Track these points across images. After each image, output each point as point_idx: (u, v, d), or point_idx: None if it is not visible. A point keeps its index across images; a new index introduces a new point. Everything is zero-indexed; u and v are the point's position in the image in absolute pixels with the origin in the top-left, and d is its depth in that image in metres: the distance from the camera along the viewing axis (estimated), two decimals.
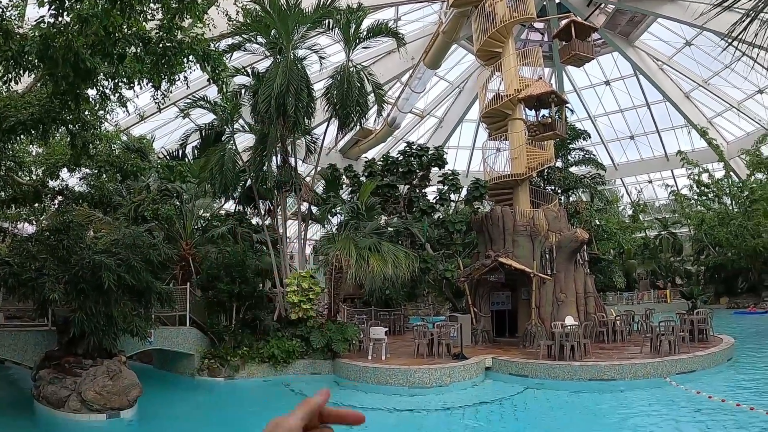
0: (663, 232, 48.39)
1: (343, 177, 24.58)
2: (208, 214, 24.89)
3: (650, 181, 51.65)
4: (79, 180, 21.24)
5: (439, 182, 25.19)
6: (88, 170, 19.92)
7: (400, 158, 25.06)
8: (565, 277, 21.31)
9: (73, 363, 13.00)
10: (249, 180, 20.41)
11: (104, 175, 20.81)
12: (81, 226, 15.73)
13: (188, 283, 18.24)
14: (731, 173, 38.22)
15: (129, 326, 13.39)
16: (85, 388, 12.35)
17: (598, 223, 29.71)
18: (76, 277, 12.33)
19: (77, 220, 15.24)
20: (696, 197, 39.38)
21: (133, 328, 13.50)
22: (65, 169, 18.88)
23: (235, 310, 18.62)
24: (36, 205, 21.02)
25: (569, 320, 19.91)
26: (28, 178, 19.72)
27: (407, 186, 25.26)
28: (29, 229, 25.40)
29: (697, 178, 38.19)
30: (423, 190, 25.59)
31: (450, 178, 24.62)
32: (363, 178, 24.74)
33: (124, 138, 23.55)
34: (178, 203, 20.45)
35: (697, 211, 38.51)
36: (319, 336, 18.22)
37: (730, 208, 37.07)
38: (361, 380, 16.90)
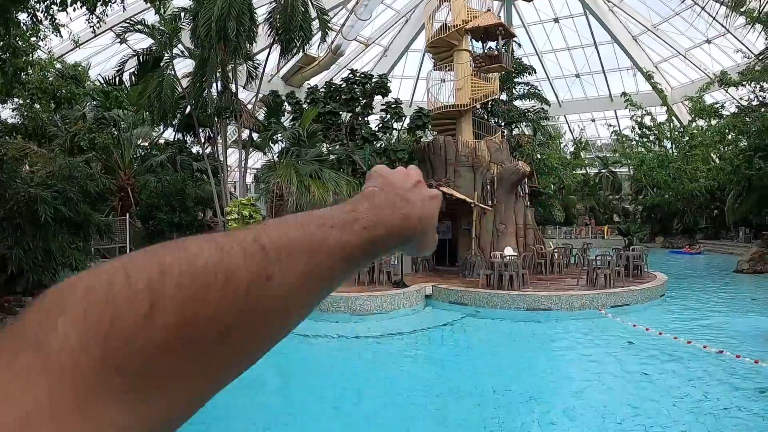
0: (603, 171, 49.57)
1: (285, 104, 24.02)
2: (146, 143, 24.13)
3: (593, 120, 52.51)
4: (12, 111, 20.21)
5: (382, 111, 24.93)
6: (20, 100, 18.98)
7: (343, 86, 24.59)
8: (506, 209, 21.61)
9: (13, 302, 12.55)
10: (188, 107, 19.75)
11: (37, 105, 19.86)
12: (16, 160, 15.01)
13: (128, 214, 17.76)
14: (673, 118, 39.03)
15: (68, 260, 13.00)
16: None
17: (539, 157, 30.03)
18: (12, 212, 11.77)
19: (11, 154, 14.46)
20: (637, 139, 40.20)
21: (72, 262, 13.09)
22: None
23: None
24: None
25: (508, 251, 20.30)
26: None
27: (350, 114, 24.91)
28: None
29: (639, 120, 38.89)
30: (366, 118, 25.27)
31: (393, 106, 24.38)
32: (305, 105, 24.23)
33: (59, 66, 22.46)
34: (115, 132, 19.71)
35: (638, 152, 39.32)
36: None
37: (670, 151, 37.98)
38: None
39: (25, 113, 19.63)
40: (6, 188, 12.06)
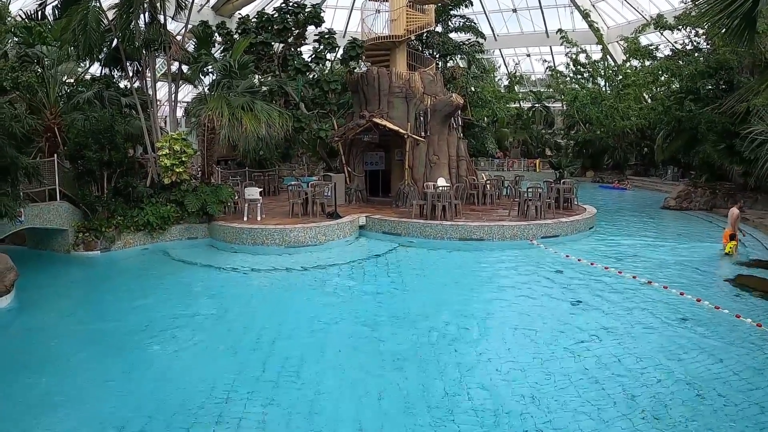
0: (537, 105, 50.37)
1: (216, 35, 23.31)
2: (72, 80, 23.11)
3: (528, 55, 52.94)
4: None
5: (315, 41, 24.55)
6: None
7: (275, 15, 24.02)
8: (439, 140, 21.90)
9: None
10: (115, 40, 18.92)
11: None
12: None
13: (55, 155, 17.14)
14: (608, 57, 39.70)
15: None
16: None
17: (473, 90, 30.36)
18: None
19: None
20: (571, 75, 40.81)
21: (1, 209, 12.70)
22: None
23: (106, 179, 17.83)
24: None
25: (441, 182, 20.70)
26: None
27: (282, 44, 24.44)
28: None
29: (574, 57, 39.39)
30: (298, 49, 24.85)
31: (326, 37, 24.03)
32: (236, 36, 23.65)
33: None
34: (39, 70, 18.75)
35: (571, 89, 39.95)
36: (194, 199, 17.96)
37: (604, 89, 38.78)
38: (238, 242, 17.05)
39: None
40: None
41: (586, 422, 6.78)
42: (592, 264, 14.70)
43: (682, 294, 12.00)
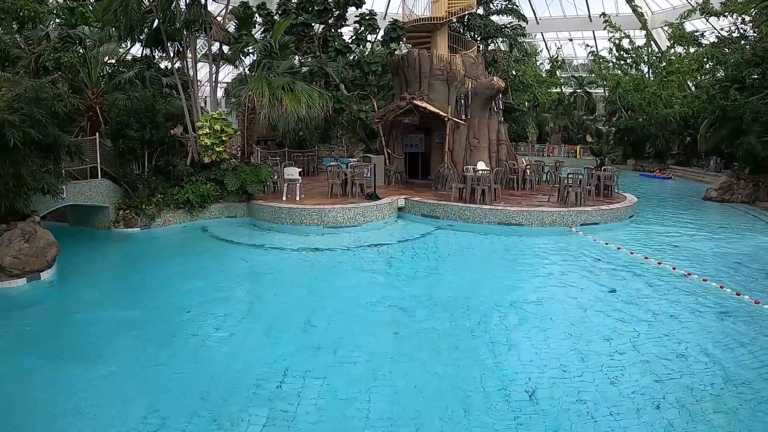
0: (578, 90, 49.35)
1: (256, 16, 23.32)
2: (113, 61, 23.38)
3: (571, 39, 51.83)
4: None
5: (355, 22, 24.39)
6: None
7: None
8: (479, 124, 21.59)
9: None
10: (156, 21, 19.05)
11: None
12: None
13: (97, 134, 17.37)
14: (651, 43, 38.63)
15: (39, 184, 12.65)
16: (1, 254, 11.88)
17: (515, 73, 29.82)
18: None
19: None
20: (614, 61, 39.87)
21: (44, 186, 12.77)
22: None
23: (147, 158, 18.03)
24: None
25: (481, 165, 20.44)
26: None
27: (322, 25, 24.36)
28: None
29: (617, 42, 38.42)
30: (339, 30, 24.74)
31: (367, 18, 23.87)
32: (277, 17, 23.61)
33: None
34: (81, 50, 18.98)
35: (614, 74, 39.06)
36: (234, 178, 18.07)
37: (647, 76, 37.78)
38: (276, 221, 17.10)
39: None
40: None
41: (603, 420, 6.58)
42: (631, 253, 14.36)
43: (722, 287, 11.60)
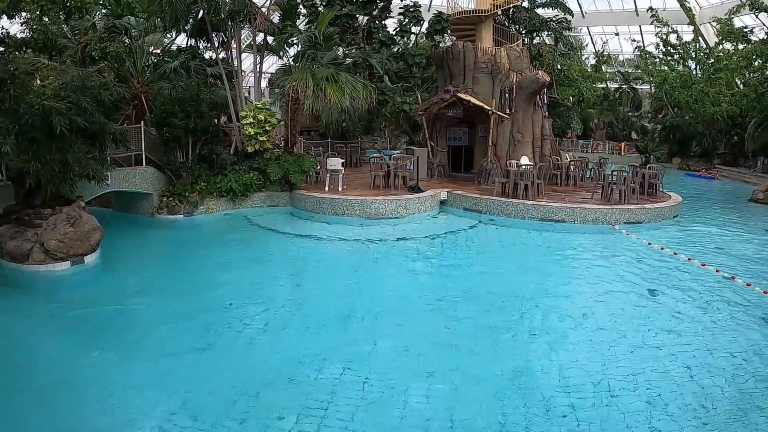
0: (624, 86, 48.38)
1: (301, 6, 23.34)
2: (158, 51, 23.71)
3: (617, 34, 50.80)
4: (21, 26, 19.83)
5: (399, 14, 24.26)
6: (29, 14, 18.56)
7: None
8: (523, 118, 21.32)
9: (33, 214, 12.58)
10: (201, 11, 19.24)
11: (46, 18, 19.39)
12: (28, 74, 14.67)
13: (142, 122, 17.63)
14: (699, 39, 37.56)
15: (85, 170, 12.84)
16: (46, 237, 12.11)
17: (560, 68, 29.26)
18: (27, 126, 11.54)
19: (22, 68, 14.08)
20: (661, 56, 38.88)
21: (89, 172, 12.97)
22: (4, 17, 17.69)
23: (191, 146, 18.23)
24: None
25: (524, 160, 20.20)
26: None
27: (367, 17, 24.28)
28: None
29: (664, 37, 37.41)
30: (383, 22, 24.62)
31: (411, 10, 23.72)
32: (321, 8, 23.58)
33: None
34: (127, 40, 19.29)
35: (661, 71, 38.06)
36: (276, 168, 18.16)
37: (694, 72, 36.80)
38: (318, 211, 17.13)
39: (35, 27, 19.30)
40: (20, 103, 11.90)
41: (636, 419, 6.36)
42: (674, 254, 13.93)
43: (765, 293, 11.12)
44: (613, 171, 18.80)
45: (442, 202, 18.49)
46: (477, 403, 6.67)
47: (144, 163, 17.43)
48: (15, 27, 20.00)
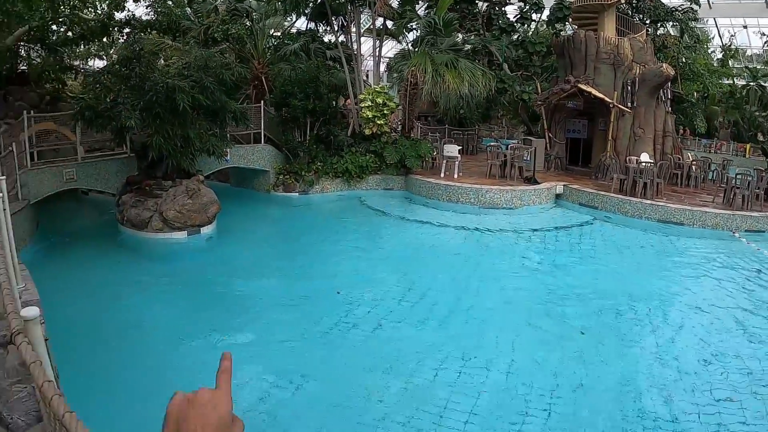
0: (752, 83, 45.36)
1: None
2: (279, 33, 24.46)
3: (745, 27, 47.59)
4: (146, 8, 21.01)
5: (520, 1, 23.87)
6: None
7: None
8: (645, 113, 20.49)
9: (154, 185, 13.49)
10: None
11: (170, 1, 20.45)
12: (152, 54, 15.58)
13: (262, 102, 18.31)
14: None
15: (205, 146, 13.61)
16: (166, 207, 12.92)
17: (685, 61, 27.83)
18: (151, 102, 12.30)
19: (147, 48, 14.94)
20: None
21: (209, 148, 13.74)
22: (130, 0, 18.80)
23: (309, 127, 18.78)
24: (104, 39, 21.09)
25: (645, 157, 19.43)
26: (94, 14, 19.60)
27: (486, 3, 24.05)
28: (99, 65, 25.44)
29: None
30: (503, 8, 24.32)
31: None
32: None
33: None
34: (248, 23, 20.04)
35: None
36: (393, 151, 18.39)
37: None
38: (433, 197, 17.26)
39: (159, 9, 20.37)
40: (145, 80, 12.67)
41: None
42: None
43: None
44: (737, 174, 17.70)
45: (557, 196, 18.16)
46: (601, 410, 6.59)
47: (262, 141, 18.12)
48: (140, 9, 21.24)
